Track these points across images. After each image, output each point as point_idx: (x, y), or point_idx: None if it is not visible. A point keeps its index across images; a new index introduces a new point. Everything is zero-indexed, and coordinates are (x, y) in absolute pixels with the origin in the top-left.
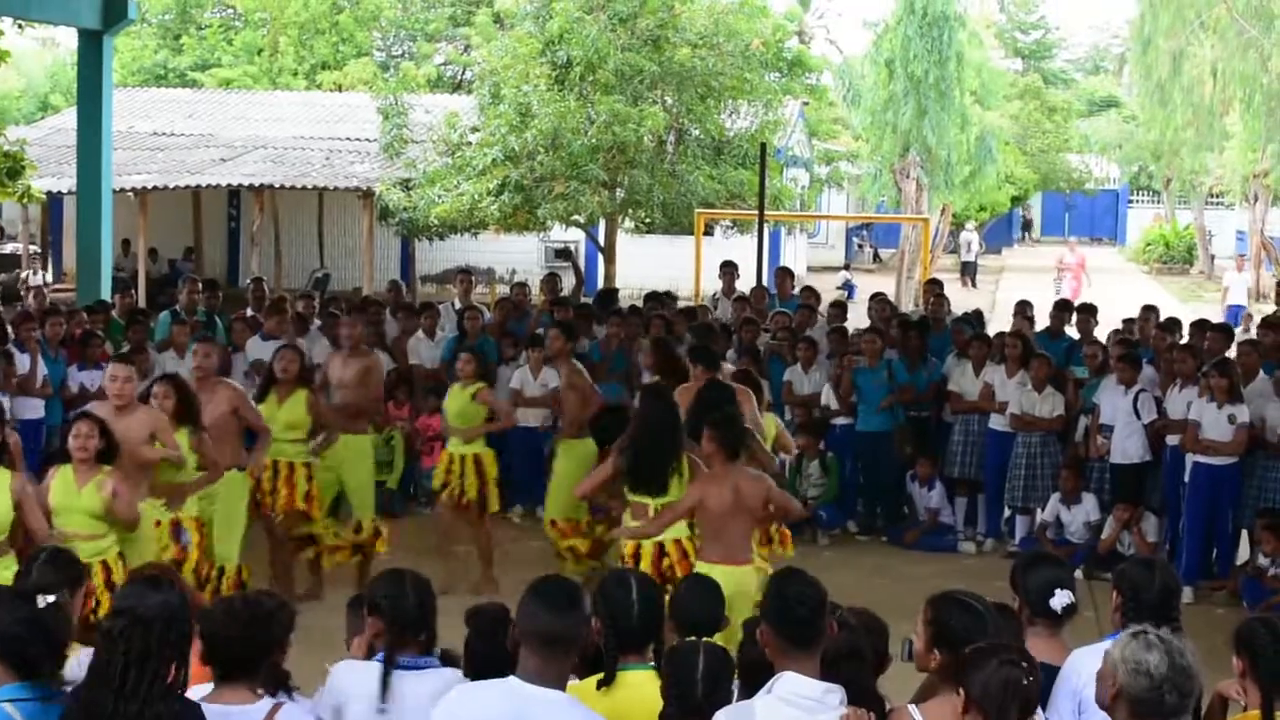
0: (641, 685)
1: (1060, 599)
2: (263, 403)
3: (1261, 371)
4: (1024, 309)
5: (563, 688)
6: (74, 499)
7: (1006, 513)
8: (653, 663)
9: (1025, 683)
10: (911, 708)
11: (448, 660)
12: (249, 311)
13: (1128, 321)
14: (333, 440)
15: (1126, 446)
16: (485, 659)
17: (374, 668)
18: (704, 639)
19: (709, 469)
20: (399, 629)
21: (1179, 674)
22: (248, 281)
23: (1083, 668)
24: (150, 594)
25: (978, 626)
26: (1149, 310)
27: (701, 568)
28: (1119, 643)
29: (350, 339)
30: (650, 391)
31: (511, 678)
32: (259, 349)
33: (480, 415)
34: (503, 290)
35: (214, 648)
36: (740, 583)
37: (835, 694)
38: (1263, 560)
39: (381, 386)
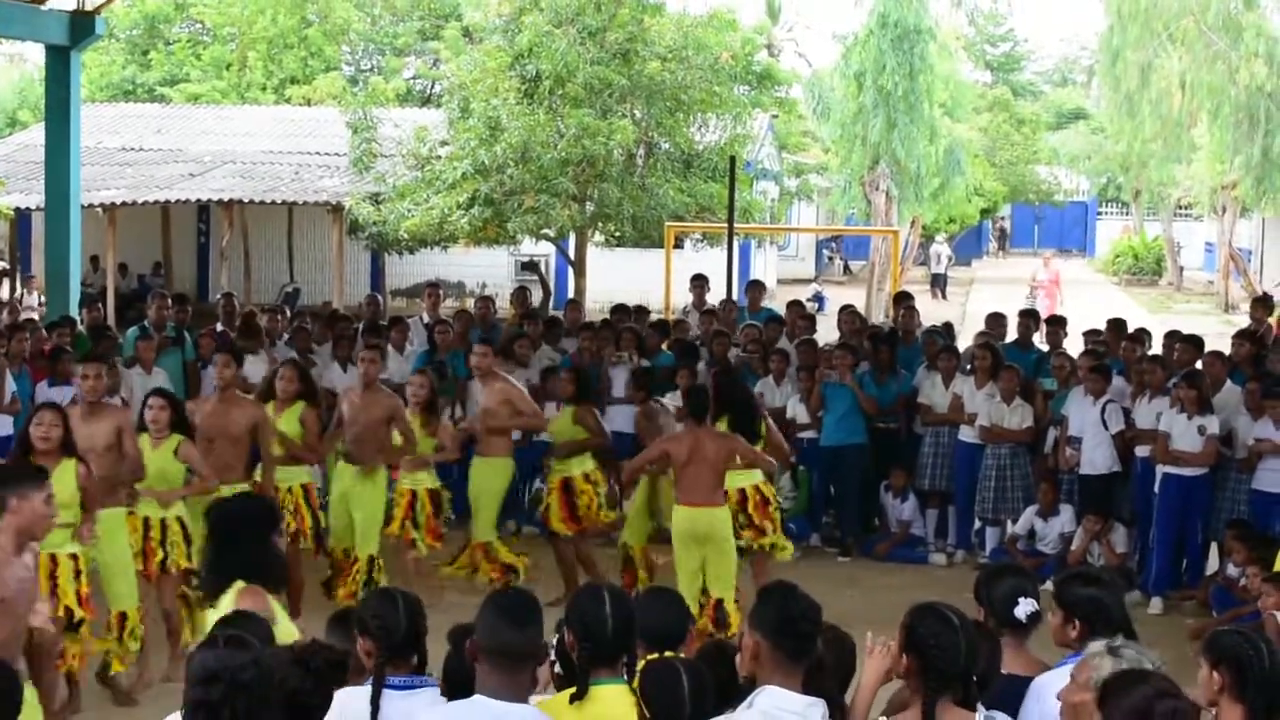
0: (614, 700)
1: (1024, 608)
2: None
3: (1230, 381)
4: (996, 322)
5: (526, 700)
6: None
7: (977, 524)
8: (624, 677)
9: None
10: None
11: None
12: (218, 326)
13: (1090, 333)
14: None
15: (1094, 457)
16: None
17: (367, 690)
18: (679, 657)
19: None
20: (389, 649)
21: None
22: (218, 296)
23: (1045, 692)
24: (237, 655)
25: (947, 632)
26: (1115, 324)
27: (677, 509)
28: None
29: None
30: (724, 372)
31: (477, 696)
32: None
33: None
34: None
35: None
36: (708, 523)
37: (817, 708)
38: (1233, 570)
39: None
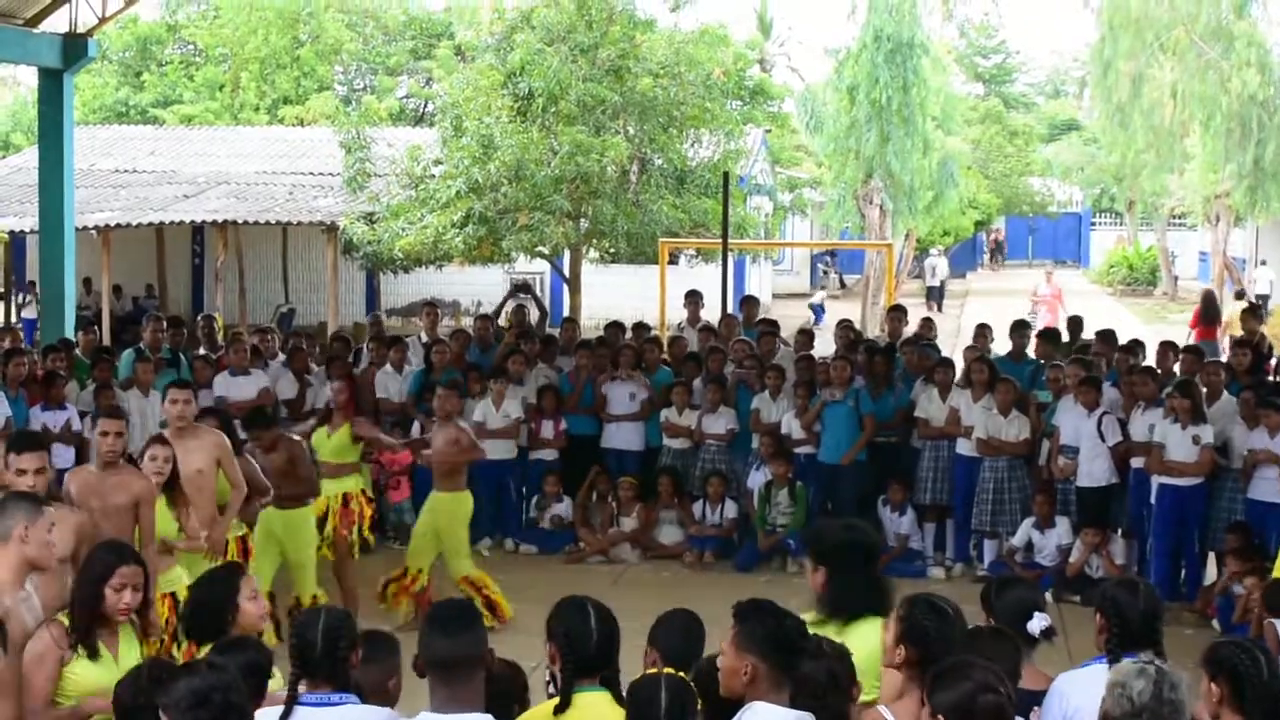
0: (595, 706)
1: (1038, 623)
2: None
3: (1226, 392)
4: (982, 334)
5: (480, 708)
6: None
7: (975, 537)
8: (601, 685)
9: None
10: (882, 708)
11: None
12: (200, 349)
13: (1084, 345)
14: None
15: (1093, 469)
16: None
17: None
18: (665, 672)
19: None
20: (302, 664)
21: (1163, 706)
22: (198, 319)
23: (1070, 691)
24: (222, 677)
25: (943, 625)
26: (1105, 335)
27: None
28: (1117, 666)
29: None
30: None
31: (423, 712)
32: (226, 384)
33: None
34: (468, 322)
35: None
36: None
37: None
38: (1236, 586)
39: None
